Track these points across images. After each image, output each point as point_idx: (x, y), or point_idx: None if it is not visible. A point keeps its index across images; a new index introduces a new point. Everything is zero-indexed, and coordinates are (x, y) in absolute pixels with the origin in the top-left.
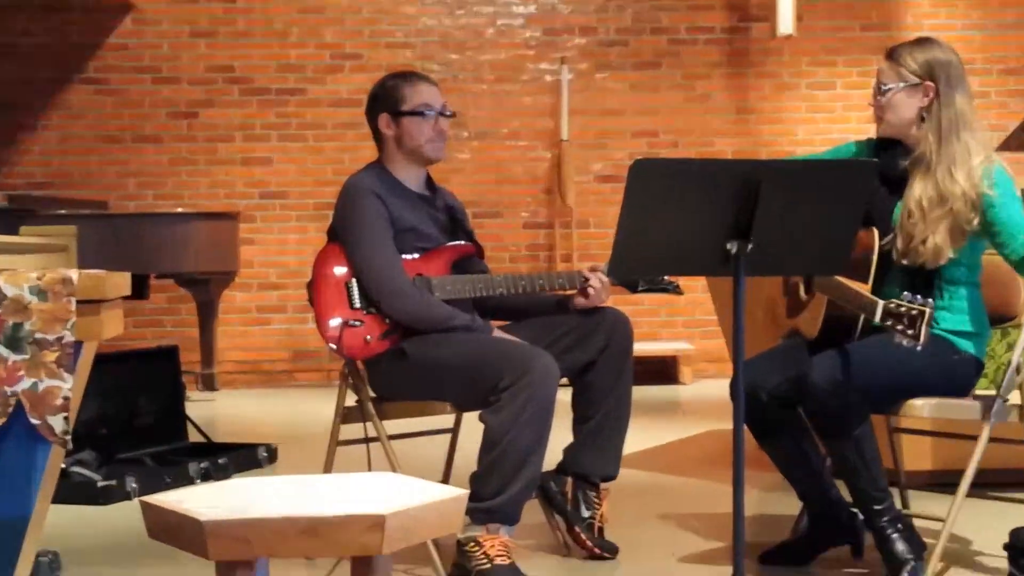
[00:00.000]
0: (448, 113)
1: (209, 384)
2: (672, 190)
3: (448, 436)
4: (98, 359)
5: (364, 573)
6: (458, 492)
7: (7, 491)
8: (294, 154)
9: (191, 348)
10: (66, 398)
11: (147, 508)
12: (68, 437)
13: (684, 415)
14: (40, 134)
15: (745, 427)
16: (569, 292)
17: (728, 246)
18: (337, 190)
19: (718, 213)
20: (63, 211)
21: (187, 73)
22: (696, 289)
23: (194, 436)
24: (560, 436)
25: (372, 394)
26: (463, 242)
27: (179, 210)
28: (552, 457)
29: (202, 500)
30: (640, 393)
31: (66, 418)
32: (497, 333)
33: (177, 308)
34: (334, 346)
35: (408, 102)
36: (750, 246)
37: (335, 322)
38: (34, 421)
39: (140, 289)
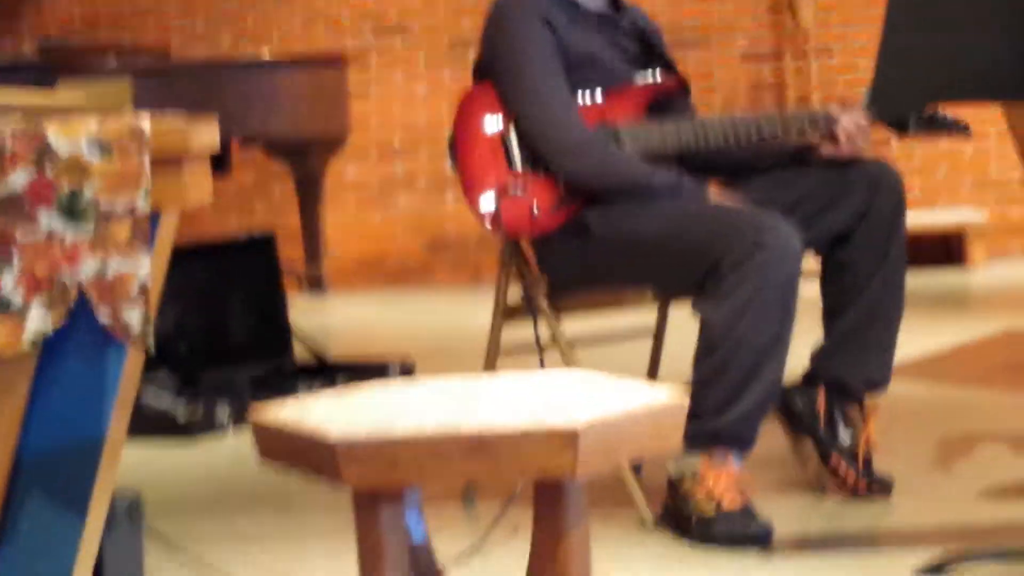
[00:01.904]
0: None
1: (317, 286)
2: None
3: (650, 338)
4: (172, 254)
5: (550, 506)
6: (677, 396)
7: (73, 408)
8: None
9: (290, 240)
10: (143, 286)
11: (259, 425)
12: (149, 337)
13: (975, 309)
14: None
15: None
16: (812, 139)
17: None
18: (480, 20)
19: None
20: (112, 62)
21: None
22: (988, 135)
23: (302, 353)
24: (807, 335)
25: (544, 284)
26: (661, 75)
27: (266, 55)
28: (797, 362)
29: (333, 413)
30: (913, 281)
31: (145, 312)
32: (715, 195)
33: (269, 187)
34: (491, 223)
35: None
36: None
37: (490, 191)
38: (103, 318)
39: (219, 161)
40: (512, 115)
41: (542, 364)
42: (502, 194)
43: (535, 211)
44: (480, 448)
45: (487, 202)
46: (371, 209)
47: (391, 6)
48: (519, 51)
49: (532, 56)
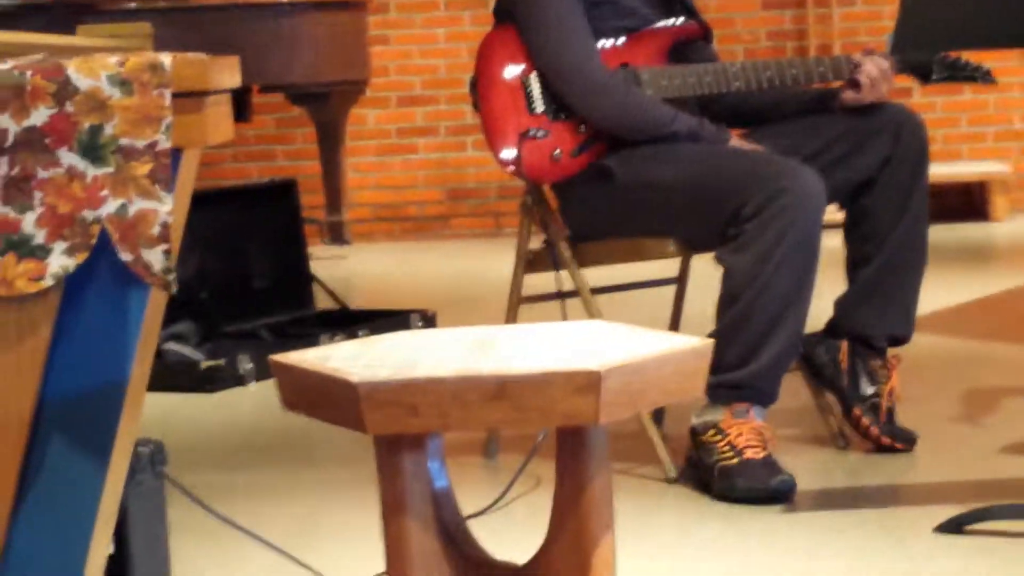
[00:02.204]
0: None
1: (338, 235)
2: None
3: (672, 288)
4: (192, 199)
5: (573, 454)
6: (699, 342)
7: (95, 349)
8: None
9: (312, 188)
10: (164, 224)
11: (281, 370)
12: (171, 277)
13: (999, 262)
14: None
15: None
16: (834, 84)
17: None
18: None
19: None
20: (132, 4)
21: None
22: (1011, 86)
23: (323, 302)
24: (830, 286)
25: (566, 233)
26: (683, 20)
27: None
28: (819, 313)
29: (355, 357)
30: (936, 234)
31: (167, 251)
32: (736, 142)
33: (291, 135)
34: (512, 167)
35: None
36: None
37: (511, 134)
38: (125, 256)
39: (240, 108)
40: (532, 55)
41: (564, 314)
42: (523, 137)
43: (556, 155)
44: (502, 392)
45: (508, 145)
46: (391, 157)
47: None
48: None
49: None
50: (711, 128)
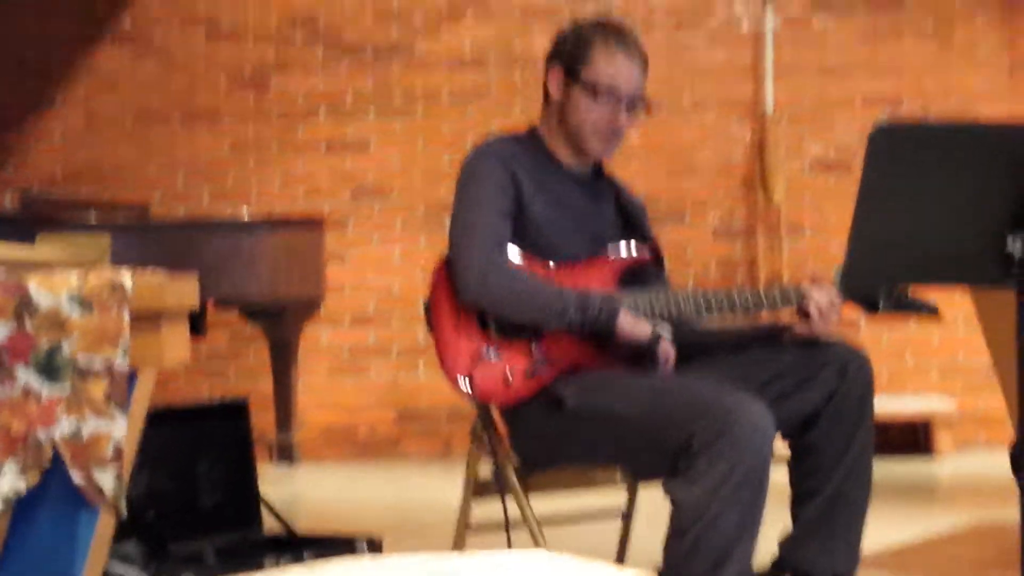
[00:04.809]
0: (638, 105)
1: (287, 455)
2: (928, 167)
3: (619, 519)
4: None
5: None
6: None
7: (43, 571)
8: (398, 136)
9: (263, 406)
10: (118, 447)
11: None
12: (122, 501)
13: (944, 500)
14: (60, 112)
15: None
16: (782, 312)
17: (1010, 243)
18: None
19: (993, 196)
20: (91, 217)
21: (254, 27)
22: (956, 321)
23: (270, 523)
24: (775, 520)
25: (514, 459)
26: (636, 247)
27: (244, 215)
28: (765, 549)
29: None
30: (881, 469)
31: (119, 475)
32: (625, 315)
33: (243, 350)
34: (463, 389)
35: (590, 68)
36: None
37: (463, 355)
38: (77, 478)
39: (195, 323)
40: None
41: (509, 543)
42: (476, 359)
43: (509, 377)
44: None
45: (461, 367)
46: (343, 377)
47: (370, 170)
48: (466, 186)
49: (476, 196)
50: (598, 297)
